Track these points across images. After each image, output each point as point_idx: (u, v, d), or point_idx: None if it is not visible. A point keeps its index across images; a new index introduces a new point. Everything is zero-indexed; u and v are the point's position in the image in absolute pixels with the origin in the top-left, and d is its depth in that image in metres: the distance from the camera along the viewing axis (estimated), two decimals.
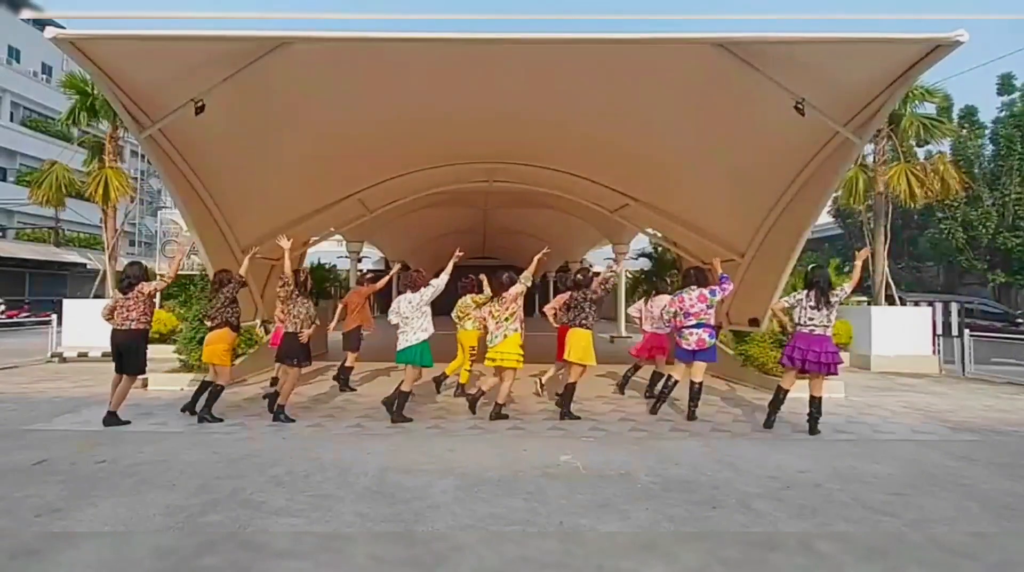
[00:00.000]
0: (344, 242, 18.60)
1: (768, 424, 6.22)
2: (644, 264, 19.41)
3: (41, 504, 3.83)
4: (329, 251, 21.06)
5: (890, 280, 12.21)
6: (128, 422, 6.03)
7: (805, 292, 6.13)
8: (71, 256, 27.52)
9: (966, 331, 10.62)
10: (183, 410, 6.48)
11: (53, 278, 27.30)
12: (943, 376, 10.44)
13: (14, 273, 25.45)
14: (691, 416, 6.54)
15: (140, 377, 7.95)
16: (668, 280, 7.86)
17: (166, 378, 8.10)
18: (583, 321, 6.57)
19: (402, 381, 6.34)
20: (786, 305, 6.30)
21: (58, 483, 4.22)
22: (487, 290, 6.74)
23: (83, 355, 11.28)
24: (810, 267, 7.20)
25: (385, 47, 6.35)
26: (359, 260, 20.29)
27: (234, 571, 3.03)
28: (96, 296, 12.78)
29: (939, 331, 11.37)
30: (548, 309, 7.53)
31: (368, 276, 9.41)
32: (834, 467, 4.85)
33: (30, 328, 17.01)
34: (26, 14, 27.98)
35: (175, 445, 5.28)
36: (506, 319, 6.40)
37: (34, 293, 25.98)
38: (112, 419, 5.98)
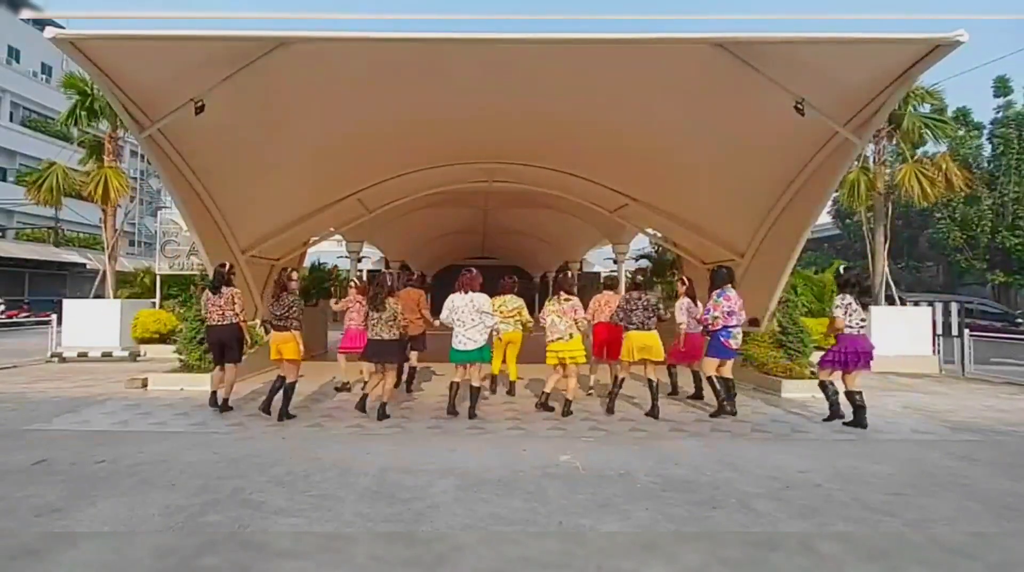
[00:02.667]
0: (344, 242, 18.60)
1: (862, 424, 6.15)
2: (643, 264, 19.42)
3: (41, 504, 3.82)
4: (329, 251, 21.03)
5: (890, 280, 12.22)
6: (232, 409, 6.57)
7: (846, 296, 6.20)
8: (71, 256, 27.52)
9: (966, 331, 10.63)
10: (261, 410, 6.36)
11: (53, 278, 27.29)
12: (943, 376, 10.43)
13: (14, 273, 25.44)
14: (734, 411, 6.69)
15: (140, 377, 8.07)
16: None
17: (166, 378, 8.08)
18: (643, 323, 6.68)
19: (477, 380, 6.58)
20: (840, 316, 6.18)
21: (58, 483, 4.22)
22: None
23: (83, 355, 11.28)
24: (841, 267, 7.15)
25: (385, 47, 6.35)
26: (359, 260, 20.25)
27: (234, 571, 3.04)
28: (96, 296, 12.76)
29: (939, 331, 11.37)
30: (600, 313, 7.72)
31: (414, 277, 8.94)
32: (834, 467, 4.85)
33: (30, 328, 17.01)
34: (26, 14, 27.95)
35: (175, 445, 5.27)
36: (575, 322, 6.66)
37: (34, 293, 25.95)
38: (226, 406, 6.54)
